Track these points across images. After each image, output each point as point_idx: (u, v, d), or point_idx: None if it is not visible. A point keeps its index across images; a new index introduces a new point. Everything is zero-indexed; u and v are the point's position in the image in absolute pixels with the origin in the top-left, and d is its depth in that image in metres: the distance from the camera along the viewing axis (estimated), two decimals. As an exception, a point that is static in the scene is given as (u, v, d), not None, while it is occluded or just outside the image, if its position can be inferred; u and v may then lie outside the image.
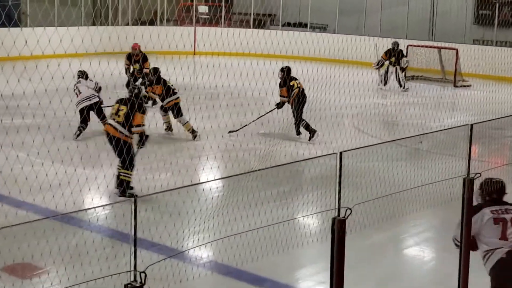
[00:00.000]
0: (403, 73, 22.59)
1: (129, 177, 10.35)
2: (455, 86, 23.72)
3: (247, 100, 15.26)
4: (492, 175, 6.87)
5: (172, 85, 14.67)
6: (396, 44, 22.55)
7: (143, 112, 10.40)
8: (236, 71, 15.64)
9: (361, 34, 29.38)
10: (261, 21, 31.95)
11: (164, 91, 14.55)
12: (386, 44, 24.29)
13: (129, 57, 18.55)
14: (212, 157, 12.53)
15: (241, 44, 27.37)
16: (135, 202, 4.15)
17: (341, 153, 5.31)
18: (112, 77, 12.49)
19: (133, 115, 10.25)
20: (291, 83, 14.79)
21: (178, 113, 14.54)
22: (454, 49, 24.73)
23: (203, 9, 32.80)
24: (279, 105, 14.98)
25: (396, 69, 22.26)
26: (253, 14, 31.87)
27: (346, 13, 30.84)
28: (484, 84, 22.65)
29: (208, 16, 32.06)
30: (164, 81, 14.73)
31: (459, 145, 10.34)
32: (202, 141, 13.69)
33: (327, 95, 15.35)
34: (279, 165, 8.75)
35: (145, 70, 17.85)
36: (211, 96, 18.73)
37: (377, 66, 22.46)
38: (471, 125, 6.80)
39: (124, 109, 10.42)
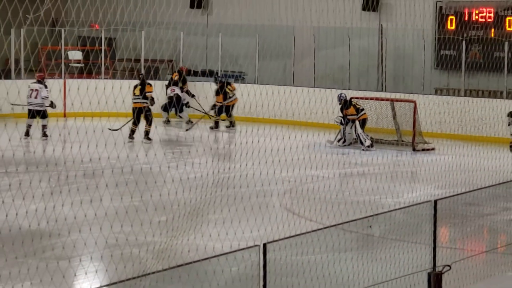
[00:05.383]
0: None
1: None
2: (414, 150, 19.97)
3: (136, 176, 12.95)
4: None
5: None
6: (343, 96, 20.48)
7: None
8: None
9: (290, 84, 24.63)
10: (157, 69, 26.23)
11: None
12: (321, 96, 19.87)
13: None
14: (97, 257, 9.86)
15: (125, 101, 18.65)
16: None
17: (265, 245, 4.71)
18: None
19: None
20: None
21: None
22: (411, 101, 20.42)
23: (75, 55, 26.94)
24: None
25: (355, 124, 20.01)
26: (143, 60, 25.24)
27: (269, 58, 25.11)
28: (451, 147, 18.57)
29: (82, 64, 26.59)
30: None
31: (422, 228, 8.53)
32: (82, 233, 10.01)
33: (247, 166, 13.17)
34: (182, 265, 6.49)
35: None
36: (91, 173, 14.33)
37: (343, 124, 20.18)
38: (435, 201, 6.29)
39: None
